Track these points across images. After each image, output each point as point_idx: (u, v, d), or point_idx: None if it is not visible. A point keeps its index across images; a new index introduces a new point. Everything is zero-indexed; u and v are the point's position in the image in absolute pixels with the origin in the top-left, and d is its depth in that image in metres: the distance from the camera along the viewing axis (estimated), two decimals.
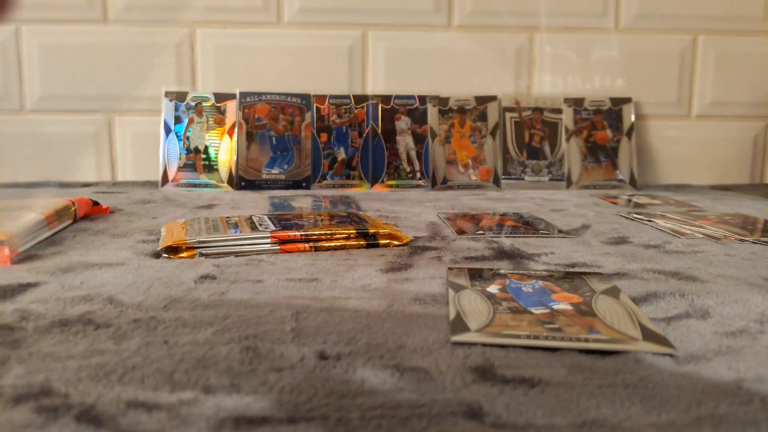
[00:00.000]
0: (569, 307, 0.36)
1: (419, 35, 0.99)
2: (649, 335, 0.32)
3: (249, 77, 0.98)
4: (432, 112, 0.97)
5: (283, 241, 0.51)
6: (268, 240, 0.51)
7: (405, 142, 0.95)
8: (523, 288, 0.40)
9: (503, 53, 1.01)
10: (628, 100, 1.00)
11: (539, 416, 0.24)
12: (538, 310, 0.35)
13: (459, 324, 0.33)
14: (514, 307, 0.36)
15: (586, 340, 0.31)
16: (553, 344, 0.30)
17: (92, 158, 1.00)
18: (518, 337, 0.31)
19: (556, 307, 0.36)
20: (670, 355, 0.29)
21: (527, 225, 0.63)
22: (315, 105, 0.95)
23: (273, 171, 0.93)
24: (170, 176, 0.93)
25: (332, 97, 0.96)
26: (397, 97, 0.97)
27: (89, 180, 1.00)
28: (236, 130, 0.93)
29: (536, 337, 0.31)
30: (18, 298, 0.38)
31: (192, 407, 0.24)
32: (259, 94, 0.94)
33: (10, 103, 0.98)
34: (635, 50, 1.02)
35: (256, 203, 0.78)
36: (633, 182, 0.97)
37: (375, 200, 0.82)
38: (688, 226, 0.62)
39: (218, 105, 0.94)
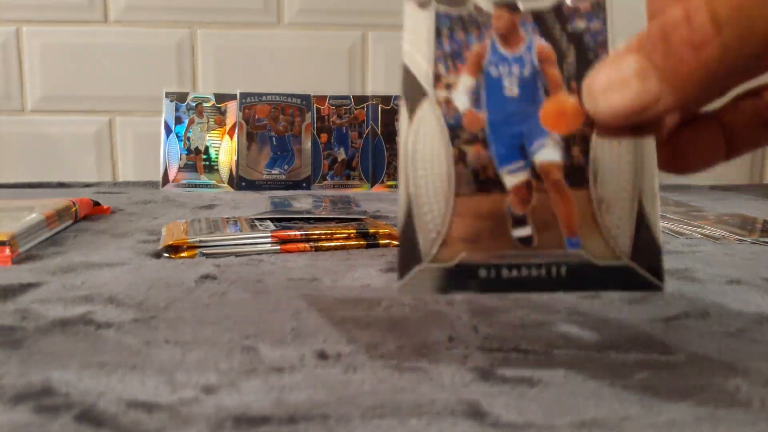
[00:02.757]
0: (555, 159, 0.27)
1: None
2: (641, 253, 0.27)
3: (249, 78, 0.98)
4: None
5: (283, 241, 0.51)
6: (269, 240, 0.51)
7: None
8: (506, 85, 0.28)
9: None
10: None
11: (539, 416, 0.24)
12: (512, 176, 0.27)
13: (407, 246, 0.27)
14: (480, 170, 0.27)
15: (558, 271, 0.26)
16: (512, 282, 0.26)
17: (93, 158, 1.00)
18: (476, 275, 0.26)
19: (539, 160, 0.27)
20: (656, 287, 0.27)
21: None
22: (315, 105, 0.95)
23: (273, 171, 0.93)
24: (171, 176, 0.93)
25: (332, 97, 0.96)
26: (397, 97, 0.97)
27: (90, 180, 1.00)
28: (236, 130, 0.93)
29: (497, 274, 0.26)
30: (19, 298, 0.38)
31: (192, 407, 0.24)
32: (260, 95, 0.94)
33: (11, 104, 0.98)
34: None
35: (257, 203, 0.78)
36: None
37: (375, 200, 0.82)
38: (687, 226, 0.62)
39: (219, 106, 0.95)
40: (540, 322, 0.34)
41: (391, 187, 0.94)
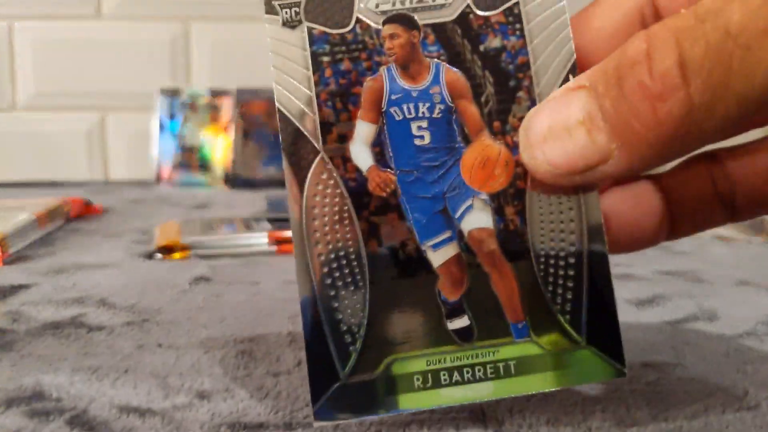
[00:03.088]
0: (486, 225, 0.22)
1: None
2: (598, 333, 0.22)
3: (245, 73, 0.98)
4: None
5: (280, 242, 0.50)
6: (265, 240, 0.50)
7: None
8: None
9: None
10: None
11: (543, 421, 0.23)
12: (438, 252, 0.22)
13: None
14: (398, 247, 0.22)
15: (507, 368, 0.22)
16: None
17: (85, 156, 0.99)
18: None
19: (467, 228, 0.22)
20: (618, 372, 0.22)
21: None
22: None
23: (270, 169, 0.93)
24: (164, 175, 0.92)
25: None
26: None
27: (81, 178, 0.99)
28: (232, 127, 0.93)
29: (434, 382, 0.22)
30: (9, 299, 0.37)
31: (186, 412, 0.24)
32: (256, 91, 0.93)
33: (2, 101, 0.97)
34: None
35: (253, 203, 0.78)
36: None
37: None
38: None
39: (214, 102, 0.94)
40: None
41: None
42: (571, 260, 0.22)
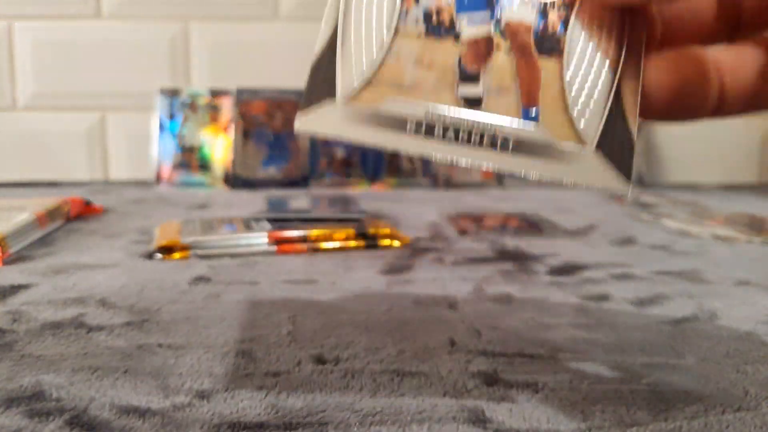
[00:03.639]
0: (526, 19, 0.23)
1: None
2: (610, 143, 0.22)
3: (245, 73, 0.98)
4: None
5: (279, 242, 0.50)
6: (265, 240, 0.50)
7: None
8: None
9: None
10: None
11: (543, 422, 0.23)
12: (472, 27, 0.23)
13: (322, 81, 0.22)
14: (433, 12, 0.23)
15: (504, 143, 0.22)
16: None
17: (84, 156, 0.99)
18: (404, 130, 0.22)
19: (507, 16, 0.23)
20: (620, 186, 0.21)
21: (532, 225, 0.63)
22: None
23: (270, 169, 0.93)
24: (164, 175, 0.92)
25: None
26: None
27: (82, 179, 0.99)
28: (232, 127, 0.93)
29: (428, 131, 0.22)
30: (9, 300, 0.37)
31: (186, 412, 0.24)
32: (256, 91, 0.93)
33: (2, 101, 0.97)
34: None
35: (253, 203, 0.78)
36: (640, 181, 0.97)
37: (374, 199, 0.82)
38: (695, 227, 0.62)
39: (213, 102, 0.94)
40: (545, 325, 0.34)
41: (391, 185, 0.93)
42: (601, 78, 0.22)
